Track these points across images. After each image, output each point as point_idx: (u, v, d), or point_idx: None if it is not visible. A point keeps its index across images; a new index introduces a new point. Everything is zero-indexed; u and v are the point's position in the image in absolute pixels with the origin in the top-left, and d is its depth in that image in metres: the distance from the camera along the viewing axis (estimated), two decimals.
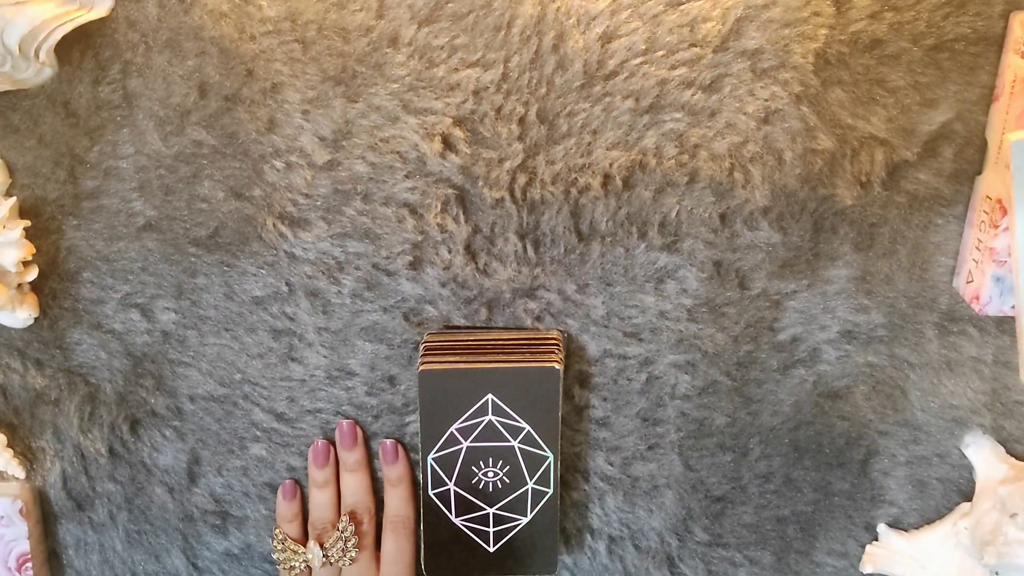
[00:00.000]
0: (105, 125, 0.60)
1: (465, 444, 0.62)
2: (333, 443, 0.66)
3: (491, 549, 0.65)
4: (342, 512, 0.65)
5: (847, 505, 0.67)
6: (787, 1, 0.55)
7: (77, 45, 0.58)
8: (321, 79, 0.58)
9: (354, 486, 0.65)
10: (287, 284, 0.63)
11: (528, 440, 0.62)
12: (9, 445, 0.67)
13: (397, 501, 0.65)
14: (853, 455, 0.65)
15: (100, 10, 0.55)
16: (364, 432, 0.65)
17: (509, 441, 0.62)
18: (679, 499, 0.67)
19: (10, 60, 0.54)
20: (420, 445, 0.62)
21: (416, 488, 0.66)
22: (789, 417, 0.65)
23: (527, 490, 0.63)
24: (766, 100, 0.57)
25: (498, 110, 0.58)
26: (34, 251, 0.61)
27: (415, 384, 0.64)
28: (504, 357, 0.61)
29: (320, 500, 0.65)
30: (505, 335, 0.62)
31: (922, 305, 0.62)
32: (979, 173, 0.58)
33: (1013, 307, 0.57)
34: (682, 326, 0.63)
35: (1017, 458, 0.64)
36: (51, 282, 0.63)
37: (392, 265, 0.62)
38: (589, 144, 0.59)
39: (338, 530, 0.64)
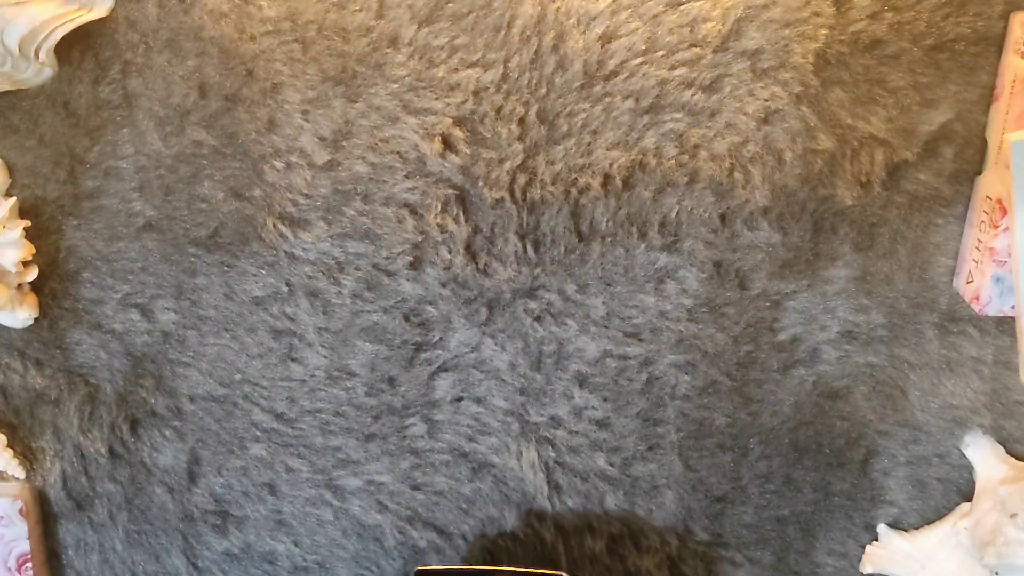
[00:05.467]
0: (105, 125, 0.60)
1: None
2: None
3: None
4: None
5: (847, 505, 0.67)
6: (787, 1, 0.55)
7: (77, 45, 0.58)
8: (321, 79, 0.58)
9: None
10: (287, 284, 0.63)
11: None
12: (9, 445, 0.67)
13: None
14: (853, 455, 0.65)
15: (100, 10, 0.55)
16: None
17: None
18: (679, 499, 0.67)
19: (10, 60, 0.54)
20: None
21: None
22: (789, 417, 0.65)
23: None
24: (766, 100, 0.57)
25: (498, 110, 0.58)
26: (34, 251, 0.61)
27: (415, 385, 0.65)
28: None
29: None
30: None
31: (922, 305, 0.62)
32: (979, 173, 0.58)
33: (1013, 307, 0.57)
34: (682, 326, 0.63)
35: (1017, 458, 0.64)
36: (51, 282, 0.63)
37: (392, 265, 0.62)
38: (589, 144, 0.59)
39: None
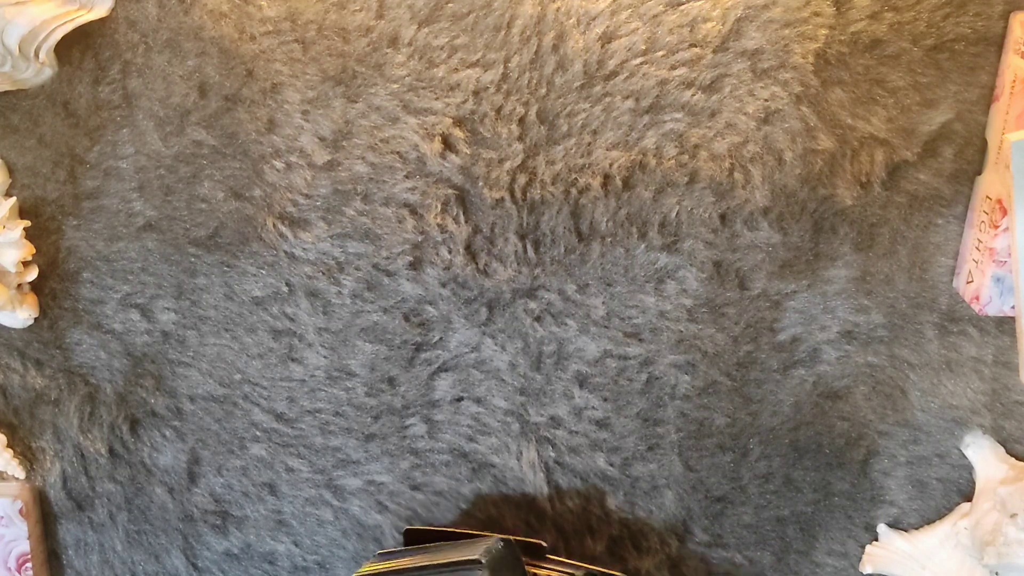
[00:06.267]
0: (105, 125, 0.60)
1: None
2: None
3: None
4: None
5: (847, 505, 0.66)
6: (787, 1, 0.55)
7: (77, 45, 0.58)
8: (321, 79, 0.58)
9: None
10: (287, 284, 0.63)
11: None
12: (9, 445, 0.67)
13: None
14: (853, 455, 0.65)
15: (100, 10, 0.55)
16: None
17: None
18: (679, 499, 0.67)
19: (10, 60, 0.54)
20: None
21: None
22: (789, 417, 0.65)
23: None
24: (766, 100, 0.57)
25: (498, 110, 0.58)
26: (34, 251, 0.61)
27: (415, 385, 0.65)
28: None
29: None
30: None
31: (922, 305, 0.62)
32: (979, 173, 0.58)
33: (1013, 307, 0.57)
34: (682, 326, 0.63)
35: (1017, 458, 0.64)
36: (51, 282, 0.63)
37: (392, 265, 0.62)
38: (589, 144, 0.59)
39: None
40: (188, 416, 0.66)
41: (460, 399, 0.65)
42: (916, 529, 0.66)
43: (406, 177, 0.60)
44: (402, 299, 0.63)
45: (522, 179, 0.60)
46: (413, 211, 0.61)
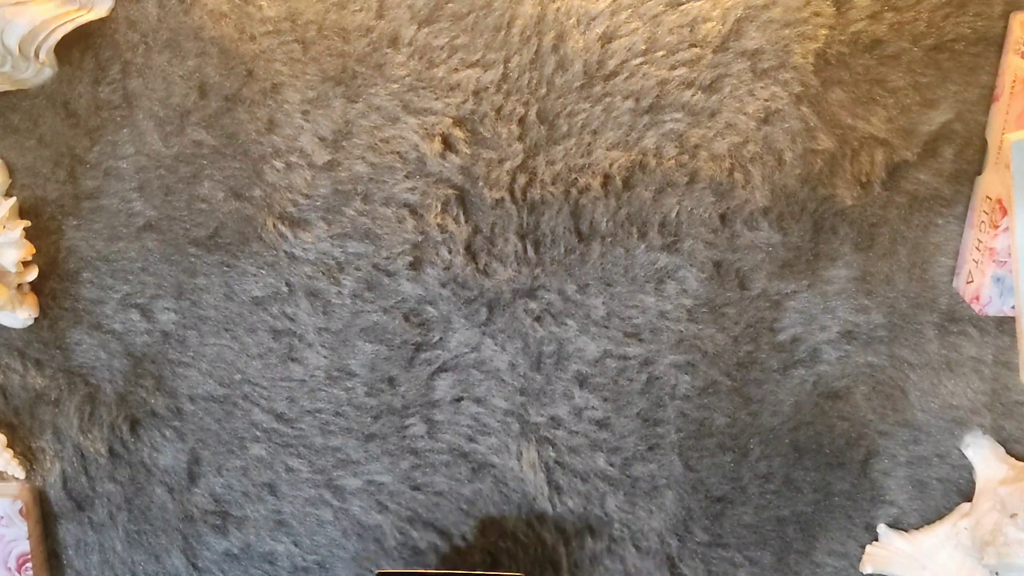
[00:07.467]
0: (105, 125, 0.60)
1: None
2: None
3: None
4: None
5: (847, 505, 0.66)
6: (787, 1, 0.55)
7: (77, 45, 0.58)
8: (321, 79, 0.58)
9: None
10: (287, 284, 0.63)
11: None
12: (9, 445, 0.67)
13: None
14: (853, 455, 0.65)
15: (100, 10, 0.56)
16: None
17: None
18: (679, 499, 0.67)
19: (10, 60, 0.54)
20: None
21: None
22: (789, 417, 0.65)
23: None
24: (766, 100, 0.57)
25: (498, 110, 0.59)
26: (34, 251, 0.61)
27: (415, 385, 0.65)
28: None
29: None
30: None
31: (922, 305, 0.62)
32: (979, 173, 0.58)
33: (1013, 307, 0.57)
34: (682, 326, 0.63)
35: (1017, 458, 0.64)
36: (51, 282, 0.63)
37: (392, 265, 0.62)
38: (589, 144, 0.59)
39: None
40: (188, 416, 0.66)
41: (460, 399, 0.65)
42: (916, 529, 0.66)
43: (406, 177, 0.60)
44: (402, 299, 0.63)
45: (522, 179, 0.60)
46: (413, 211, 0.61)
